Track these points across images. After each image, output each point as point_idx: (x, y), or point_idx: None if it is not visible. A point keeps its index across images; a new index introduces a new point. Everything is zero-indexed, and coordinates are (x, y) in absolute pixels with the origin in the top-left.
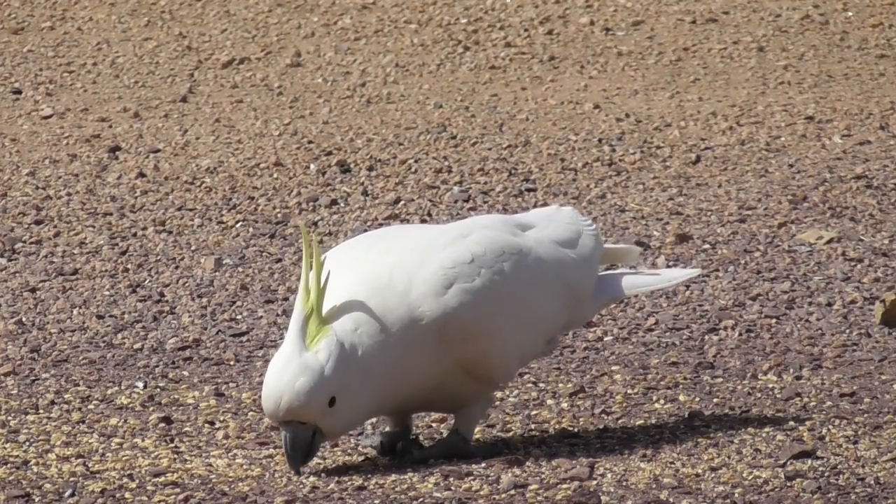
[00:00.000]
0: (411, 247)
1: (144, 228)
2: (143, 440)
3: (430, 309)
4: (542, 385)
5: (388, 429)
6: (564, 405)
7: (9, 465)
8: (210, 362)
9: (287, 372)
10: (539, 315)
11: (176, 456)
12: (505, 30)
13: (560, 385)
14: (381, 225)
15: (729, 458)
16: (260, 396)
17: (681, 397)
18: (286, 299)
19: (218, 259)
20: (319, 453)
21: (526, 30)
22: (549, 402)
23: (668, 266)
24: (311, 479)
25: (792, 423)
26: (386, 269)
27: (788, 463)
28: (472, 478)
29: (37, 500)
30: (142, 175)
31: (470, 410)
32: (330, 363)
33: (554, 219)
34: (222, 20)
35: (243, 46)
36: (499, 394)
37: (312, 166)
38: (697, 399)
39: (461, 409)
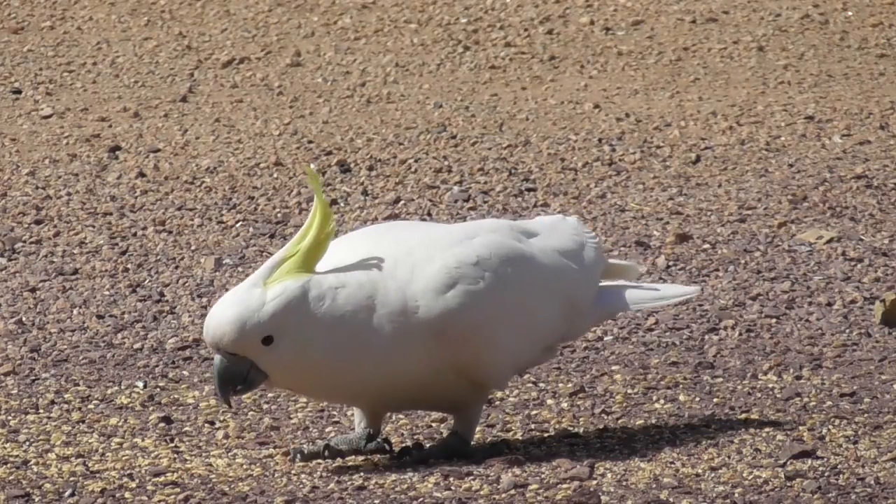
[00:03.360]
0: (420, 242)
1: (144, 228)
2: (143, 440)
3: (427, 305)
4: (542, 385)
5: (359, 426)
6: (564, 405)
7: (9, 465)
8: (210, 362)
9: (227, 301)
10: (537, 323)
11: (176, 456)
12: (505, 30)
13: (560, 385)
14: None
15: (729, 458)
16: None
17: (681, 397)
18: None
19: (218, 259)
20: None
21: (526, 30)
22: (549, 402)
23: (668, 266)
24: (312, 478)
25: (792, 423)
26: (391, 259)
27: (788, 463)
28: (472, 478)
29: (37, 500)
30: (142, 175)
31: (468, 412)
32: (275, 302)
33: (558, 228)
34: (222, 20)
35: (243, 46)
36: (499, 393)
37: (312, 166)
38: (697, 399)
39: (459, 411)
